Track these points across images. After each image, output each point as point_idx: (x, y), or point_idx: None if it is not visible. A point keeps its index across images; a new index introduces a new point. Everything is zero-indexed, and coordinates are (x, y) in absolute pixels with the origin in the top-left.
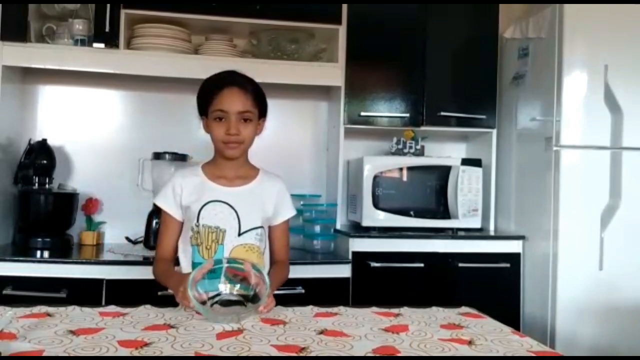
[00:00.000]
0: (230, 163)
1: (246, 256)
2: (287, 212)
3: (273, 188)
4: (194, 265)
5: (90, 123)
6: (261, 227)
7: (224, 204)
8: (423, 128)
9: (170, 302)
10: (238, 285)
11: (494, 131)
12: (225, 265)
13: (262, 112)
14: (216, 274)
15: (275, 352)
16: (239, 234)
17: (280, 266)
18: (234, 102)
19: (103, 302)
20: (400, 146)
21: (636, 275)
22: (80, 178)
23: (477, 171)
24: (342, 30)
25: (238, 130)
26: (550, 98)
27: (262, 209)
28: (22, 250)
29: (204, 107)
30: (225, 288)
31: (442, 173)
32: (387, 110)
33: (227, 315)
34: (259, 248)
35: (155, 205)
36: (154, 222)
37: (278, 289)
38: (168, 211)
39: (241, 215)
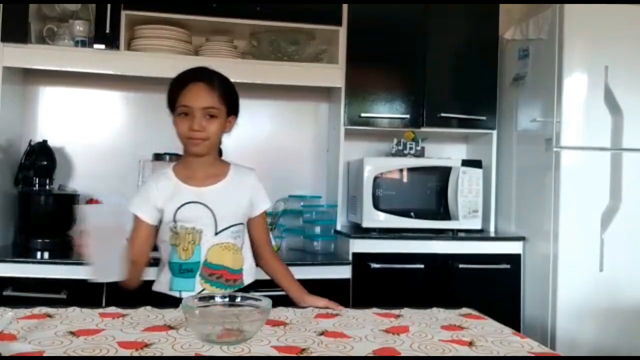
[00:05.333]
0: (199, 162)
1: (222, 255)
2: (263, 204)
3: (247, 182)
4: (170, 265)
5: (90, 124)
6: (240, 223)
7: (199, 205)
8: (423, 129)
9: (170, 303)
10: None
11: (495, 132)
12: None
13: (232, 110)
14: (192, 273)
15: (275, 353)
16: (216, 233)
17: (281, 266)
18: (198, 97)
19: (103, 303)
20: (400, 147)
21: (637, 276)
22: (80, 179)
23: (478, 172)
24: (342, 31)
25: (201, 127)
26: (551, 99)
27: (238, 204)
28: (22, 251)
29: (172, 103)
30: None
31: (443, 174)
32: (387, 111)
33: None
34: (235, 245)
35: None
36: None
37: (278, 290)
38: (141, 216)
39: (217, 214)
